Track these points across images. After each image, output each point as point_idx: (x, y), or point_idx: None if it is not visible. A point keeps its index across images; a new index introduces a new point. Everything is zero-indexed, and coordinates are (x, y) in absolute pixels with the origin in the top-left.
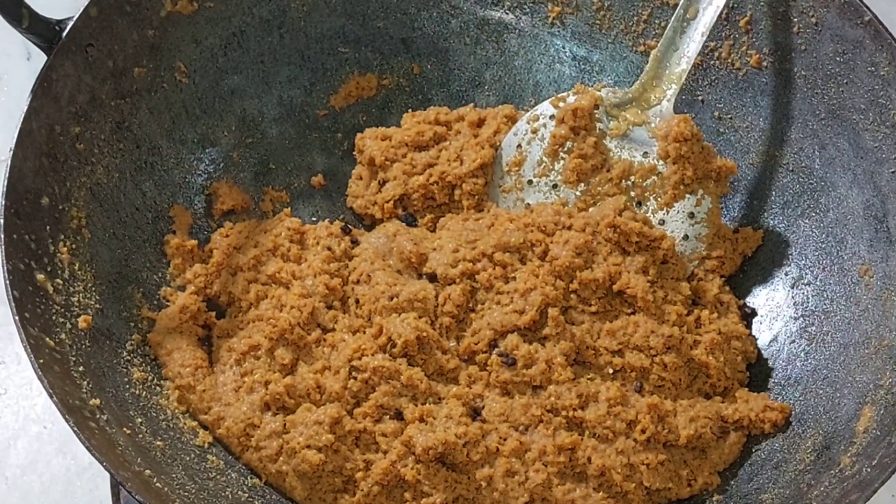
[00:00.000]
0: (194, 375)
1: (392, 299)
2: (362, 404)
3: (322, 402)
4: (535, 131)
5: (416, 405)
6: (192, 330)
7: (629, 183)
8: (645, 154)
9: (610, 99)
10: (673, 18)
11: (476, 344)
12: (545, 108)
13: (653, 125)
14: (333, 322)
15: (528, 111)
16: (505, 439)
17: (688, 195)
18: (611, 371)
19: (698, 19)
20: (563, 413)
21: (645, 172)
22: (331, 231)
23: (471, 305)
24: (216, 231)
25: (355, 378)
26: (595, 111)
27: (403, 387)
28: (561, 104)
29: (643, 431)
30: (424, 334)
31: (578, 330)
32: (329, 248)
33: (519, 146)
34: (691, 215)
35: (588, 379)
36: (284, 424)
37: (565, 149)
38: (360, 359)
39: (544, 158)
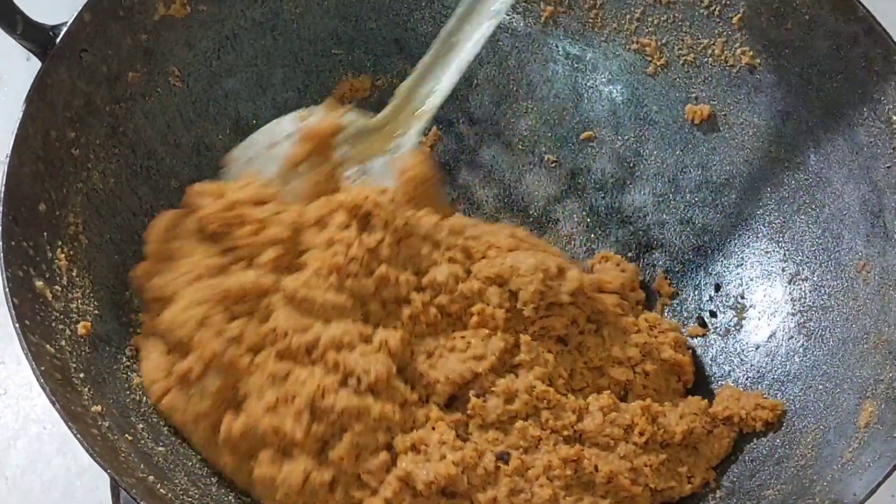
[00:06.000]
0: (152, 391)
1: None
2: (334, 446)
3: (284, 447)
4: (272, 145)
5: (398, 435)
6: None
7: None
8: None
9: (354, 126)
10: (427, 54)
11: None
12: (287, 123)
13: (392, 157)
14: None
15: None
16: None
17: None
18: (597, 392)
19: (454, 57)
20: (564, 432)
21: None
22: None
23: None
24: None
25: (319, 421)
26: (336, 136)
27: (376, 422)
28: (302, 122)
29: (641, 434)
30: (394, 370)
31: (550, 356)
32: None
33: (250, 160)
34: None
35: (575, 399)
36: (240, 465)
37: (299, 169)
38: (322, 398)
39: (276, 179)
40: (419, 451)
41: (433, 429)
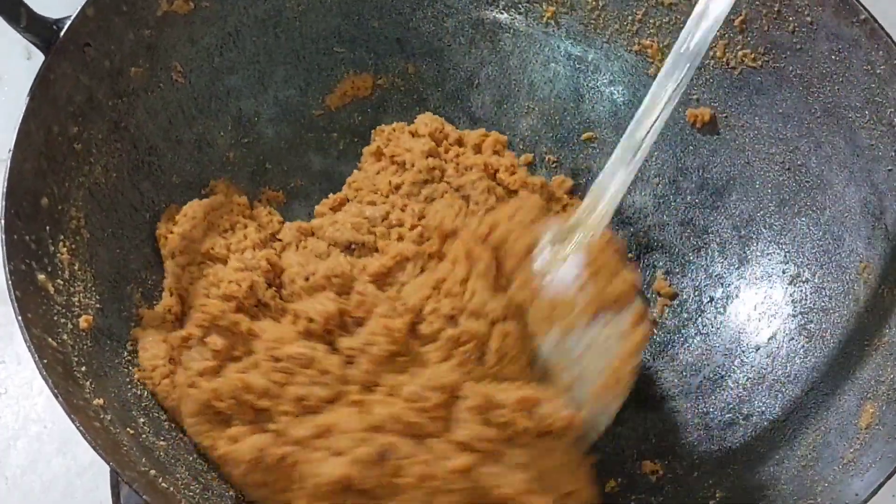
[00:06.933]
0: (151, 378)
1: (307, 279)
2: (282, 399)
3: (252, 402)
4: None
5: (327, 401)
6: (167, 327)
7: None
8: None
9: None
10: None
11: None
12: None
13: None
14: (273, 300)
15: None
16: (407, 458)
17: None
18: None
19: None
20: (434, 413)
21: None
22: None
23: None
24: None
25: (277, 370)
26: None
27: (319, 374)
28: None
29: (523, 432)
30: (344, 307)
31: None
32: (260, 226)
33: None
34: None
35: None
36: (214, 441)
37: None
38: (279, 348)
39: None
40: (326, 437)
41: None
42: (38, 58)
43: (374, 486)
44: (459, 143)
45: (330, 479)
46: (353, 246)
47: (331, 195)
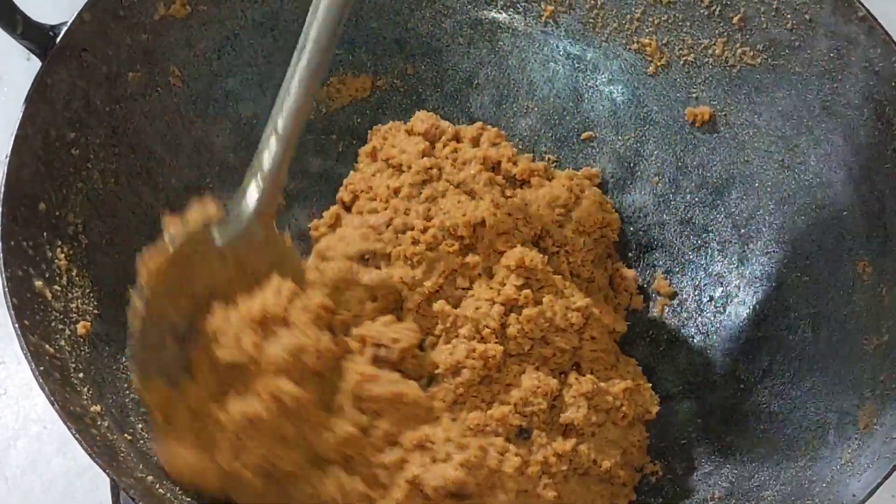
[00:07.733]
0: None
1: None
2: (370, 433)
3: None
4: None
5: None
6: None
7: None
8: None
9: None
10: None
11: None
12: None
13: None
14: None
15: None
16: (503, 453)
17: None
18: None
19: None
20: (540, 417)
21: None
22: None
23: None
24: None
25: (362, 410)
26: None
27: (406, 406)
28: None
29: (624, 417)
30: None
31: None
32: None
33: None
34: None
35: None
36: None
37: None
38: (362, 388)
39: None
40: (426, 448)
41: (437, 419)
42: (38, 59)
43: (475, 487)
44: (456, 138)
45: (435, 486)
46: (366, 256)
47: (324, 213)
